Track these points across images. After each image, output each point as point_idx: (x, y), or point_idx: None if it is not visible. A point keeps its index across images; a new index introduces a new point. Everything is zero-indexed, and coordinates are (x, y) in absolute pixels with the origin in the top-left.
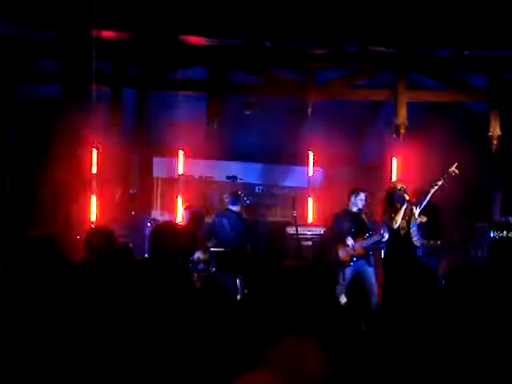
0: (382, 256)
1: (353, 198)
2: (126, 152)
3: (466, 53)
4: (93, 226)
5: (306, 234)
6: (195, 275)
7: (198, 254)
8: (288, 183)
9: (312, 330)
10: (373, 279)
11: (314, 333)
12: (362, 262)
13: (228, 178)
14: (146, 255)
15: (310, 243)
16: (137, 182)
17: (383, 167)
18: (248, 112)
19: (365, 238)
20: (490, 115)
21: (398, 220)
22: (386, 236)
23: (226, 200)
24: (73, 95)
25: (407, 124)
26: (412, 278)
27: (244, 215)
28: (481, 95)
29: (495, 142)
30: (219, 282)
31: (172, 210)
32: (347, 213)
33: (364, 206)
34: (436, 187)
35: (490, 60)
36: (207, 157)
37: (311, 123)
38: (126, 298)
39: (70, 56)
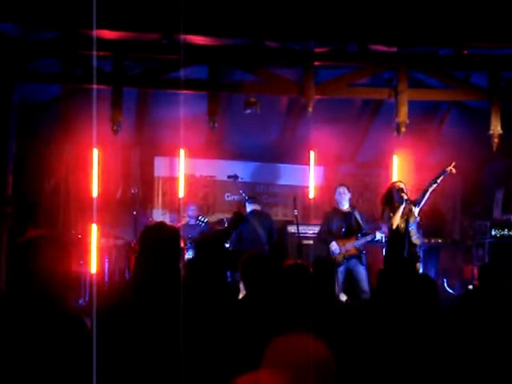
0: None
1: (335, 196)
2: (127, 151)
3: (467, 51)
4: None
5: (307, 233)
6: None
7: None
8: (289, 182)
9: (313, 329)
10: (364, 278)
11: (315, 331)
12: (353, 261)
13: (229, 177)
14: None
15: (311, 242)
16: (138, 181)
17: (384, 166)
18: (249, 111)
19: (357, 238)
20: (491, 113)
21: (397, 220)
22: (378, 236)
23: (247, 203)
24: (73, 95)
25: (408, 122)
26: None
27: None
28: (481, 93)
29: (496, 140)
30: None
31: (173, 208)
32: (337, 212)
33: (348, 200)
34: (434, 185)
35: (491, 58)
36: (208, 156)
37: (312, 122)
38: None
39: (71, 55)
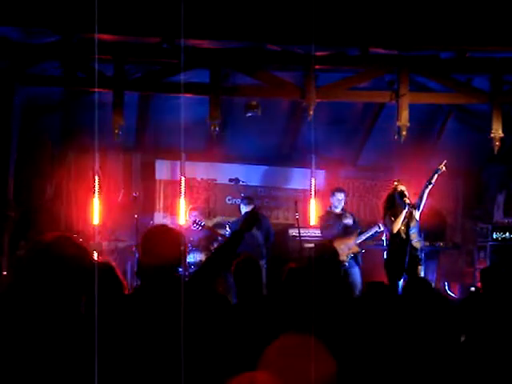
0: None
1: (331, 199)
2: (129, 155)
3: (468, 55)
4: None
5: (309, 236)
6: None
7: (200, 257)
8: (290, 185)
9: (315, 332)
10: (357, 282)
11: (316, 335)
12: (351, 261)
13: (230, 180)
14: None
15: (312, 245)
16: (139, 184)
17: (385, 169)
18: (250, 114)
19: (358, 234)
20: (492, 116)
21: (398, 224)
22: (379, 229)
23: (242, 204)
24: (75, 98)
25: (409, 125)
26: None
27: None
28: (483, 97)
29: (497, 143)
30: (221, 283)
31: (174, 212)
32: (332, 214)
33: (343, 205)
34: (430, 187)
35: (493, 62)
36: (209, 159)
37: (313, 125)
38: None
39: (72, 59)
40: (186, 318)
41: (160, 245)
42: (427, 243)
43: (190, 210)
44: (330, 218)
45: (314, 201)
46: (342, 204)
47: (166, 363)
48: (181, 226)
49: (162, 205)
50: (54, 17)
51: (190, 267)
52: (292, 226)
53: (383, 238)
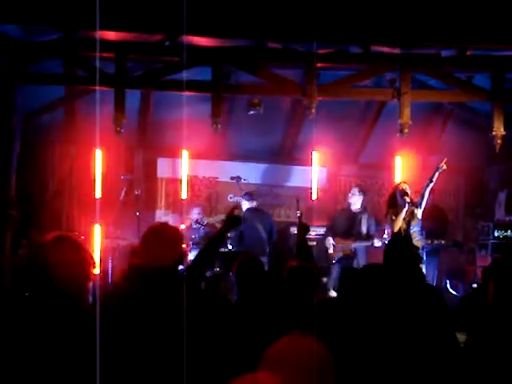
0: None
1: (350, 196)
2: (131, 152)
3: (470, 52)
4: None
5: (310, 234)
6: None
7: None
8: (292, 183)
9: (315, 331)
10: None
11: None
12: (347, 261)
13: (232, 178)
14: None
15: (314, 243)
16: (141, 182)
17: (387, 167)
18: (252, 112)
19: (354, 241)
20: (494, 115)
21: (399, 223)
22: (377, 243)
23: (244, 200)
24: (76, 96)
25: (411, 123)
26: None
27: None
28: (484, 95)
29: (499, 141)
30: (223, 281)
31: (176, 210)
32: (344, 211)
33: (361, 201)
34: (431, 185)
35: (494, 60)
36: (211, 157)
37: (315, 123)
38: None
39: (73, 57)
40: (187, 318)
41: (159, 243)
42: (429, 241)
43: (192, 207)
44: (338, 214)
45: (315, 199)
46: (356, 201)
47: (166, 363)
48: (182, 223)
49: (163, 203)
50: (54, 14)
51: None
52: (293, 224)
53: (385, 236)
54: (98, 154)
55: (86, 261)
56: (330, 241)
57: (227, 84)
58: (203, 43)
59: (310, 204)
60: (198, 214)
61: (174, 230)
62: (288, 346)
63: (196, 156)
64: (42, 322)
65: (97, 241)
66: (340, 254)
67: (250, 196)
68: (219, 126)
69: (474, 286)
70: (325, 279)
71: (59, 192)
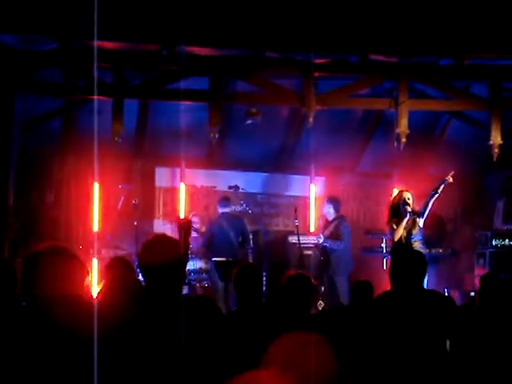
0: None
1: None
2: (128, 162)
3: (467, 61)
4: None
5: (308, 243)
6: (197, 285)
7: (200, 264)
8: (290, 192)
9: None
10: (341, 288)
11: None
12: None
13: (230, 187)
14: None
15: (311, 252)
16: (139, 192)
17: (385, 176)
18: (250, 121)
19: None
20: (491, 124)
21: (400, 232)
22: (320, 240)
23: (219, 205)
24: (74, 105)
25: (408, 132)
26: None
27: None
28: (482, 104)
29: (496, 150)
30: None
31: (174, 219)
32: (326, 221)
33: (332, 211)
34: (436, 196)
35: (491, 69)
36: (209, 166)
37: (313, 132)
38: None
39: (71, 66)
40: (185, 331)
41: (159, 256)
42: (427, 250)
43: (190, 217)
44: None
45: (313, 208)
46: (327, 212)
47: (167, 366)
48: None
49: (161, 212)
50: (53, 24)
51: (190, 274)
52: (292, 233)
53: (383, 245)
54: (96, 164)
55: (79, 270)
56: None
57: (225, 93)
58: (201, 52)
59: (307, 213)
60: (196, 223)
61: (174, 242)
62: (290, 344)
63: (194, 165)
64: (36, 333)
65: (95, 250)
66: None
67: (225, 201)
68: (217, 136)
69: (472, 294)
70: (322, 288)
71: (57, 201)
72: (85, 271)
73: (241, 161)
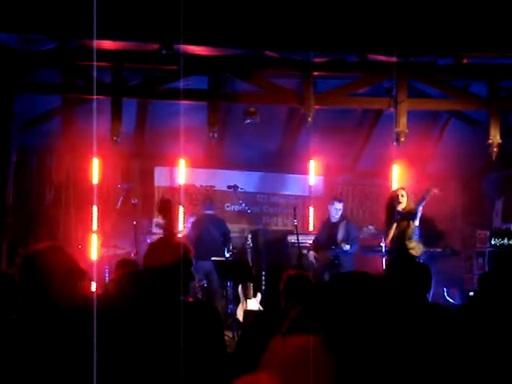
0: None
1: (329, 208)
2: (128, 162)
3: (466, 61)
4: None
5: (307, 243)
6: (196, 285)
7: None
8: (289, 192)
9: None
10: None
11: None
12: (335, 269)
13: (229, 187)
14: None
15: (310, 251)
16: (138, 191)
17: (383, 175)
18: (248, 121)
19: (329, 249)
20: (490, 123)
21: (390, 235)
22: (347, 247)
23: (203, 206)
24: (73, 105)
25: (407, 132)
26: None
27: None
28: (481, 103)
29: (495, 149)
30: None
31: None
32: (327, 222)
33: (340, 212)
34: (423, 202)
35: (490, 68)
36: (208, 166)
37: (312, 132)
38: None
39: (70, 66)
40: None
41: (161, 258)
42: (425, 249)
43: (189, 217)
44: (323, 225)
45: (312, 207)
46: (335, 213)
47: (166, 365)
48: (179, 232)
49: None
50: (51, 24)
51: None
52: (291, 233)
53: (381, 244)
54: (95, 163)
55: (75, 270)
56: (311, 254)
57: (224, 93)
58: (200, 52)
59: (306, 212)
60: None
61: (178, 244)
62: (289, 347)
63: (193, 165)
64: (35, 333)
65: (94, 250)
66: (322, 265)
67: (209, 203)
68: (216, 135)
69: (471, 293)
70: None
71: (56, 201)
72: (81, 270)
73: (240, 160)
